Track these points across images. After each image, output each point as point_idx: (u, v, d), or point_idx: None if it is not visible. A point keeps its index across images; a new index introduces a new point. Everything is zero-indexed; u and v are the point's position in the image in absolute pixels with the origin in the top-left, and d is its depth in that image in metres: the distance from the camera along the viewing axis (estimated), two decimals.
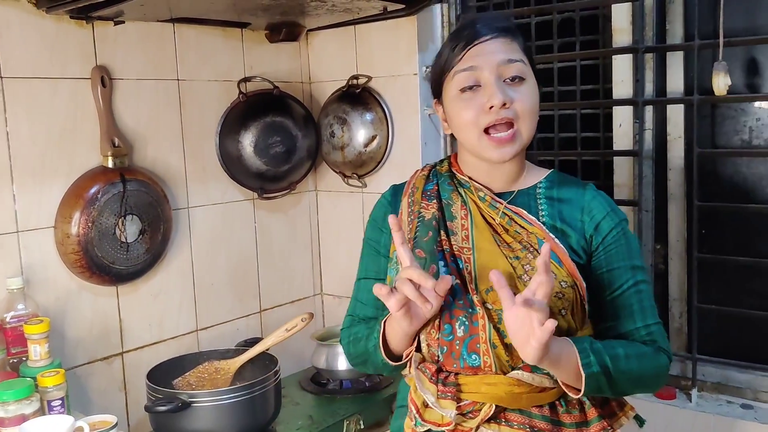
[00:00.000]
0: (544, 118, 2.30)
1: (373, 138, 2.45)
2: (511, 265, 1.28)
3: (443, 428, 1.28)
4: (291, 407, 2.20)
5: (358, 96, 2.47)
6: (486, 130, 1.30)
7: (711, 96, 1.88)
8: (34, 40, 1.90)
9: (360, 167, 2.48)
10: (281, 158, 2.44)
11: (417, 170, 1.49)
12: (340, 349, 2.30)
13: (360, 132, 2.46)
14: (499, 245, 1.31)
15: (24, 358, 1.80)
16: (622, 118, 2.13)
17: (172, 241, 2.22)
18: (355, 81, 2.48)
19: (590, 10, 2.18)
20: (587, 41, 2.20)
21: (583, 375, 1.19)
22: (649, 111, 2.07)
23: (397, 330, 1.31)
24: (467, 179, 1.39)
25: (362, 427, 2.16)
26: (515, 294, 1.16)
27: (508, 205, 1.34)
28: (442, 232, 1.35)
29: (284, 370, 2.14)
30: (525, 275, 1.27)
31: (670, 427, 1.99)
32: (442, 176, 1.43)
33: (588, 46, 2.20)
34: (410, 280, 1.19)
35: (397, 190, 1.48)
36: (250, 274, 2.47)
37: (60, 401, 1.73)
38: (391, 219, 1.24)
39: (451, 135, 1.42)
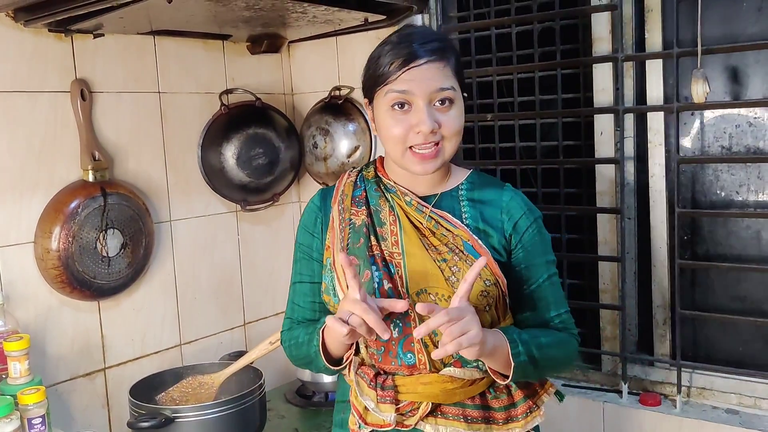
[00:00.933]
0: (526, 127, 2.31)
1: (356, 149, 2.45)
2: (439, 267, 1.37)
3: (385, 428, 1.38)
4: (276, 420, 2.19)
5: (340, 107, 2.47)
6: (411, 147, 1.38)
7: (691, 103, 1.90)
8: (12, 53, 1.88)
9: None
10: (264, 170, 2.43)
11: (343, 175, 1.55)
12: None
13: (343, 143, 2.45)
14: (427, 249, 1.39)
15: (3, 376, 1.77)
16: (603, 126, 2.14)
17: (154, 254, 2.20)
18: (337, 92, 2.48)
19: (570, 19, 2.19)
20: (567, 50, 2.22)
21: (513, 364, 1.31)
22: (629, 119, 2.09)
23: (334, 339, 1.38)
24: (393, 184, 1.47)
25: None
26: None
27: (433, 209, 1.43)
28: (373, 238, 1.43)
29: (269, 383, 2.13)
30: (452, 276, 1.36)
31: None
32: (369, 182, 1.50)
33: (568, 55, 2.22)
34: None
35: (325, 195, 1.54)
36: (233, 286, 2.46)
37: (41, 419, 1.70)
38: (343, 258, 1.29)
39: None
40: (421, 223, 1.41)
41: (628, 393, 2.09)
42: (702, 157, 2.04)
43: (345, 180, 1.53)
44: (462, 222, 1.42)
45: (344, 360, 1.43)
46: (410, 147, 1.38)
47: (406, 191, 1.46)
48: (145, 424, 1.80)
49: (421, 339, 1.35)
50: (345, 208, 1.48)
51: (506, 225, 1.43)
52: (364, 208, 1.46)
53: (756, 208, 1.97)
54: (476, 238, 1.40)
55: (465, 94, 1.45)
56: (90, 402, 2.07)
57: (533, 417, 1.43)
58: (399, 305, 1.29)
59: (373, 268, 1.39)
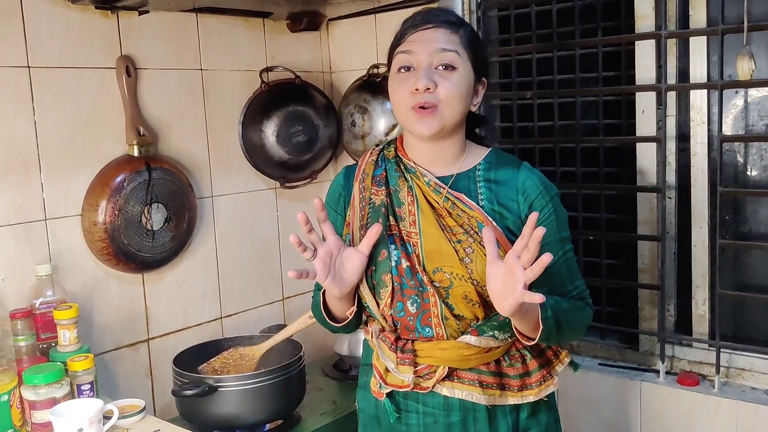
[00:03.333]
0: (566, 105, 2.30)
1: (394, 127, 2.45)
2: (454, 248, 1.40)
3: (404, 389, 1.45)
4: (315, 393, 2.22)
5: (378, 85, 2.47)
6: (412, 107, 1.42)
7: (736, 81, 1.87)
8: (60, 30, 1.93)
9: None
10: (303, 147, 2.45)
11: (366, 153, 1.58)
12: (362, 336, 2.33)
13: (381, 121, 2.46)
14: (443, 229, 1.42)
15: (53, 344, 1.83)
16: (645, 104, 2.12)
17: (196, 229, 2.24)
18: (375, 70, 2.48)
19: None
20: (609, 28, 2.19)
21: (542, 327, 1.34)
22: (672, 97, 2.06)
23: (330, 296, 1.49)
24: (413, 164, 1.49)
25: None
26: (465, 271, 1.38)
27: (450, 190, 1.45)
28: (391, 218, 1.46)
29: (307, 356, 2.15)
30: (467, 258, 1.40)
31: (694, 413, 1.99)
32: (390, 162, 1.52)
33: (610, 33, 2.19)
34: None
35: (349, 173, 1.59)
36: (272, 262, 2.50)
37: (89, 385, 1.76)
38: (317, 201, 1.41)
39: None
40: (438, 204, 1.44)
41: (666, 373, 2.08)
42: (746, 136, 2.01)
43: (367, 159, 1.56)
44: (478, 203, 1.44)
45: (349, 314, 1.49)
46: (412, 107, 1.41)
47: (425, 171, 1.48)
48: (189, 392, 1.84)
49: (441, 314, 1.41)
50: (366, 187, 1.51)
51: (522, 206, 1.44)
52: (383, 187, 1.50)
53: None
54: (491, 219, 1.42)
55: (484, 79, 1.49)
56: (134, 371, 2.12)
57: (547, 385, 1.47)
58: (373, 230, 1.40)
59: (392, 247, 1.44)
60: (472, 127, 1.56)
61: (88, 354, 1.80)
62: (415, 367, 1.43)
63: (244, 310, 2.41)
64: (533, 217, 1.26)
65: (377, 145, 1.61)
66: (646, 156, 2.13)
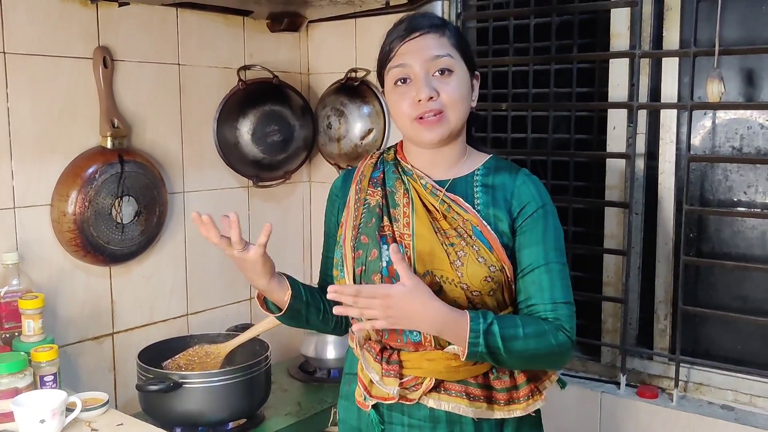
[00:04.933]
0: (539, 119, 2.33)
1: (370, 131, 2.47)
2: (446, 251, 1.39)
3: (389, 401, 1.43)
4: (280, 393, 2.22)
5: (356, 89, 2.49)
6: (417, 118, 1.42)
7: (705, 102, 1.92)
8: (38, 17, 1.91)
9: (355, 159, 2.50)
10: (278, 147, 2.45)
11: (365, 156, 1.59)
12: (329, 338, 2.34)
13: (357, 125, 2.48)
14: (436, 232, 1.41)
15: (16, 333, 1.81)
16: (616, 121, 2.17)
17: (166, 224, 2.23)
18: (353, 74, 2.50)
19: (589, 14, 2.21)
20: (584, 45, 2.24)
21: (466, 352, 1.32)
22: (642, 115, 2.11)
23: (262, 291, 1.54)
24: (410, 167, 1.50)
25: None
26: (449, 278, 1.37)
27: (446, 193, 1.44)
28: (385, 218, 1.46)
29: (273, 357, 2.14)
30: (458, 261, 1.38)
31: (652, 426, 2.03)
32: (388, 164, 1.53)
33: (584, 50, 2.24)
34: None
35: (347, 177, 1.59)
36: None
37: (52, 377, 1.74)
38: (194, 216, 1.45)
39: None
40: (434, 206, 1.43)
41: (626, 385, 2.13)
42: (712, 156, 2.07)
43: (366, 161, 1.57)
44: (474, 207, 1.43)
45: (286, 303, 1.52)
46: (416, 118, 1.41)
47: (423, 174, 1.48)
48: (154, 388, 1.83)
49: None
50: (362, 189, 1.52)
51: (513, 208, 1.43)
52: (380, 189, 1.50)
53: (763, 208, 1.99)
54: (485, 223, 1.41)
55: (477, 73, 1.49)
56: (97, 365, 2.10)
57: (535, 401, 1.44)
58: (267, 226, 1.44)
59: (384, 247, 1.43)
60: (469, 127, 1.54)
61: (52, 345, 1.77)
62: (400, 379, 1.41)
63: (211, 308, 2.40)
64: (397, 255, 1.31)
65: (378, 149, 1.59)
66: (615, 172, 2.18)
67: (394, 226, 1.45)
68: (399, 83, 1.43)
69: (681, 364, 2.05)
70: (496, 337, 1.32)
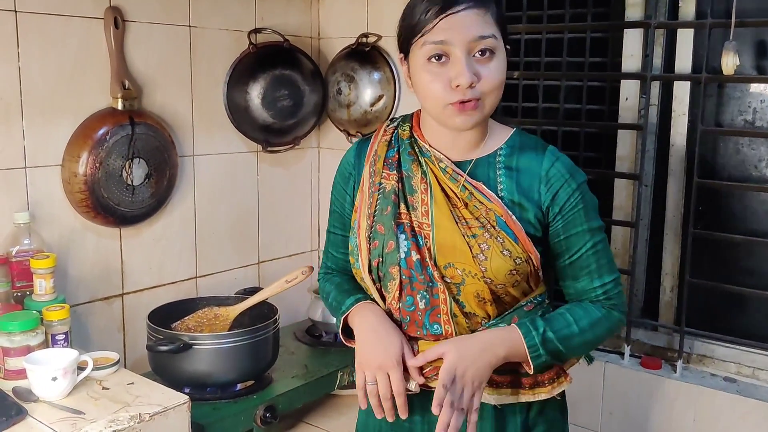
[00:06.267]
0: (551, 88, 2.32)
1: (380, 98, 2.46)
2: (468, 243, 1.30)
3: (411, 393, 1.35)
4: (287, 356, 2.24)
5: (367, 54, 2.47)
6: (456, 104, 1.29)
7: (719, 75, 1.91)
8: None
9: (365, 126, 2.50)
10: (288, 112, 2.45)
11: (379, 129, 1.46)
12: None
13: (367, 91, 2.47)
14: (457, 222, 1.32)
15: (28, 292, 1.82)
16: (629, 92, 2.16)
17: (176, 187, 2.23)
18: (364, 39, 2.48)
19: None
20: (598, 14, 2.22)
21: (532, 366, 1.30)
22: (655, 86, 2.10)
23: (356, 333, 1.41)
24: (428, 147, 1.37)
25: (354, 379, 2.20)
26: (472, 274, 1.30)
27: (468, 179, 1.34)
28: (402, 206, 1.36)
29: (281, 321, 2.17)
30: (481, 254, 1.29)
31: (655, 396, 2.06)
32: (404, 143, 1.40)
33: (599, 18, 2.22)
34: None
35: (360, 151, 1.47)
36: (250, 225, 2.50)
37: (64, 336, 1.76)
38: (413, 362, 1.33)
39: None
40: (455, 193, 1.33)
41: (630, 356, 2.14)
42: (725, 129, 2.06)
43: (380, 138, 1.44)
44: (497, 194, 1.32)
45: None
46: (451, 104, 1.28)
47: (441, 156, 1.36)
48: (164, 348, 1.85)
49: (451, 311, 1.32)
50: (376, 171, 1.40)
51: (544, 197, 1.32)
52: (395, 172, 1.38)
53: None
54: (510, 213, 1.31)
55: (508, 47, 1.33)
56: (107, 325, 2.12)
57: (560, 383, 1.38)
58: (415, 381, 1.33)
59: (402, 237, 1.34)
60: None
61: (63, 304, 1.79)
62: (422, 371, 1.33)
63: (219, 271, 2.42)
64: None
65: (392, 121, 1.47)
66: (626, 143, 2.17)
67: (412, 215, 1.35)
68: (433, 60, 1.28)
69: (685, 336, 2.06)
70: (554, 342, 1.30)
